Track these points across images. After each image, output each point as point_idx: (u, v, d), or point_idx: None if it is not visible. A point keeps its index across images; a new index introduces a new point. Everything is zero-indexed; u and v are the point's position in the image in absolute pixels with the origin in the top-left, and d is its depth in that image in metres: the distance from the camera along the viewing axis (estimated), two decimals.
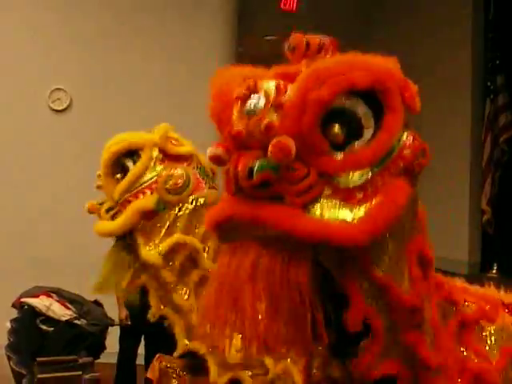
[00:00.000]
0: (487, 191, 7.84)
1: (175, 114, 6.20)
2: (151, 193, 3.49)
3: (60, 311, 6.05)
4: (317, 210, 1.49)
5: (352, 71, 1.49)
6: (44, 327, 5.95)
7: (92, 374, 4.72)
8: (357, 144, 1.52)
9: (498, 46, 7.92)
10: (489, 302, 2.03)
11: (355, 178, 1.52)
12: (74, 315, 6.06)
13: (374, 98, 1.54)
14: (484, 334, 1.96)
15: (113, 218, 3.48)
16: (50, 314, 6.00)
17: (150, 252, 3.48)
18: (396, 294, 1.59)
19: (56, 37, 7.73)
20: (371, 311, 1.59)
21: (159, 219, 3.52)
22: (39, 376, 4.53)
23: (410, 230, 1.67)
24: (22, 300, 6.09)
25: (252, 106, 1.49)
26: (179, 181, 3.52)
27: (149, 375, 3.93)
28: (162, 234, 3.54)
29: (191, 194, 3.58)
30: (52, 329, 5.95)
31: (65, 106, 7.68)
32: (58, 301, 6.12)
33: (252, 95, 1.50)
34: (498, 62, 7.89)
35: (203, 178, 3.66)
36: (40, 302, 6.05)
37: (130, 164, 3.54)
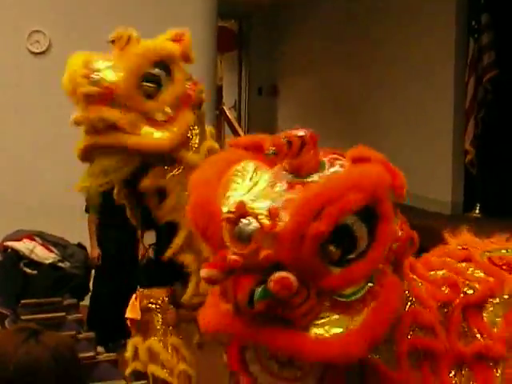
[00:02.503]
0: (470, 131, 7.83)
1: None
2: (188, 108, 3.43)
3: (43, 254, 6.06)
4: (317, 328, 1.53)
5: (343, 195, 1.50)
6: (28, 270, 5.97)
7: (76, 316, 4.74)
8: (352, 256, 1.54)
9: None
10: (494, 274, 2.04)
11: (354, 291, 1.56)
12: (58, 258, 6.08)
13: (365, 207, 1.54)
14: (488, 306, 1.98)
15: (136, 131, 3.37)
16: (34, 257, 6.01)
17: (194, 156, 3.46)
18: (386, 373, 1.68)
19: None
20: None
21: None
22: (23, 317, 4.54)
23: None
24: (5, 244, 6.09)
25: (245, 231, 1.50)
26: (204, 94, 3.51)
27: (129, 315, 3.93)
28: (197, 139, 3.52)
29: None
30: (36, 272, 5.96)
31: (44, 48, 7.54)
32: (41, 244, 6.12)
33: (242, 219, 1.51)
34: (482, 0, 7.81)
35: None
36: (23, 246, 6.05)
37: (160, 73, 3.40)
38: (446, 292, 1.95)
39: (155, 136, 3.34)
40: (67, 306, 5.06)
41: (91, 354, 3.78)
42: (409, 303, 1.80)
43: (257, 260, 1.49)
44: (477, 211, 7.84)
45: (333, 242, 1.51)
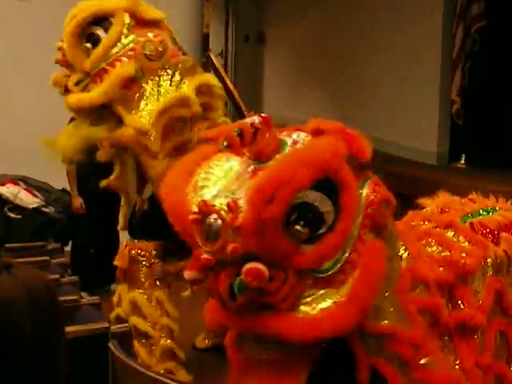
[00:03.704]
0: (457, 82, 7.80)
1: None
2: (128, 60, 3.38)
3: (28, 199, 6.06)
4: (304, 306, 1.53)
5: (294, 175, 1.48)
6: (12, 215, 5.97)
7: (60, 260, 4.74)
8: (322, 231, 1.54)
9: None
10: (477, 244, 2.03)
11: (331, 264, 1.55)
12: (42, 203, 6.08)
13: (325, 181, 1.54)
14: (472, 277, 1.98)
15: (83, 90, 3.37)
16: (18, 201, 6.01)
17: (135, 118, 3.42)
18: (401, 335, 1.66)
19: None
20: (377, 361, 1.66)
21: (138, 88, 3.43)
22: None
23: (397, 273, 1.71)
24: None
25: (211, 231, 1.51)
26: (159, 46, 3.42)
27: (117, 263, 3.94)
28: (144, 102, 3.47)
29: (169, 61, 3.49)
30: (20, 216, 5.97)
31: None
32: (25, 189, 6.12)
33: (206, 218, 1.52)
34: None
35: (175, 45, 3.58)
36: (7, 190, 6.04)
37: (99, 32, 3.38)
38: (442, 271, 1.92)
39: (82, 95, 3.38)
40: (51, 250, 5.07)
41: (74, 297, 3.80)
42: (405, 262, 1.79)
43: (226, 255, 1.50)
44: (462, 162, 7.86)
45: (300, 221, 1.51)
